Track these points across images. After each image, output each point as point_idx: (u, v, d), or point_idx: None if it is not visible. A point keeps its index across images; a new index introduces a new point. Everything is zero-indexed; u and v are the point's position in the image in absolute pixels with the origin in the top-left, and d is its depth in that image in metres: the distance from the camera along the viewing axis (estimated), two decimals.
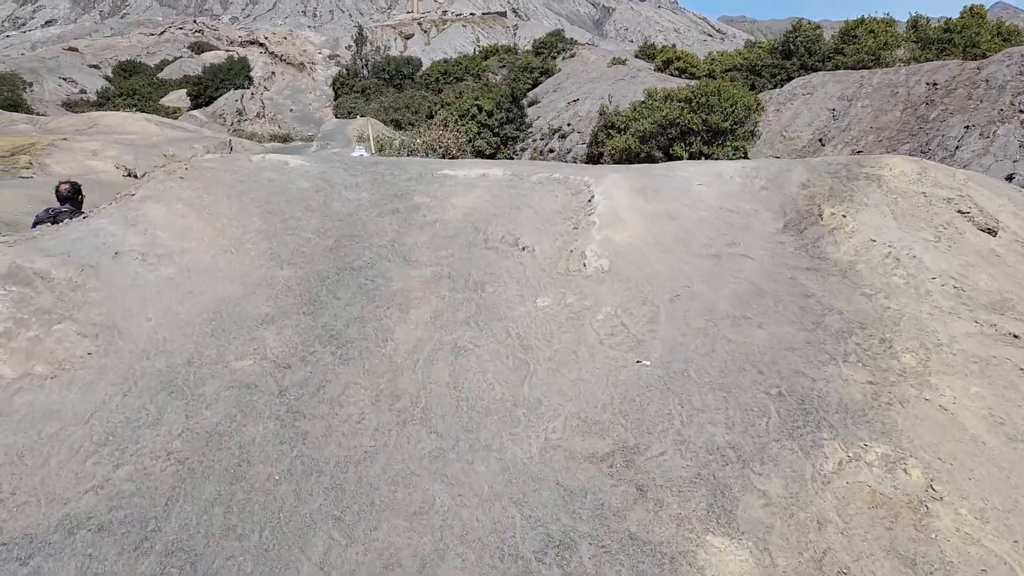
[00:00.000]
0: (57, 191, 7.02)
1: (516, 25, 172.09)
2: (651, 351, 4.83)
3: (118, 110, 32.31)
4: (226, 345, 4.85)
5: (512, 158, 37.90)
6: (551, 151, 39.42)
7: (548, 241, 6.20)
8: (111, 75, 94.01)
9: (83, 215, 6.43)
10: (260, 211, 6.56)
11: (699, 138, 22.73)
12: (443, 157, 14.36)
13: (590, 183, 6.95)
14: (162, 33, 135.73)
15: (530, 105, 46.51)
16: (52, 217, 6.58)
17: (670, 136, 23.31)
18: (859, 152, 23.47)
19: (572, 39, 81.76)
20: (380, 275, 5.83)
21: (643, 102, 25.24)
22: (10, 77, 47.28)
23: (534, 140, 40.96)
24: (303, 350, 4.92)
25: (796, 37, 39.47)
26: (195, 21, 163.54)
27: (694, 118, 22.61)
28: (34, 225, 6.56)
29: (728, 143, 22.48)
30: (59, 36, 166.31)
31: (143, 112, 31.83)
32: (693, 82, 42.26)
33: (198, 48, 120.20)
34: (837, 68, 33.94)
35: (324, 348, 4.94)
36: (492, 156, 35.80)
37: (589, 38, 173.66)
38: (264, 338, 4.98)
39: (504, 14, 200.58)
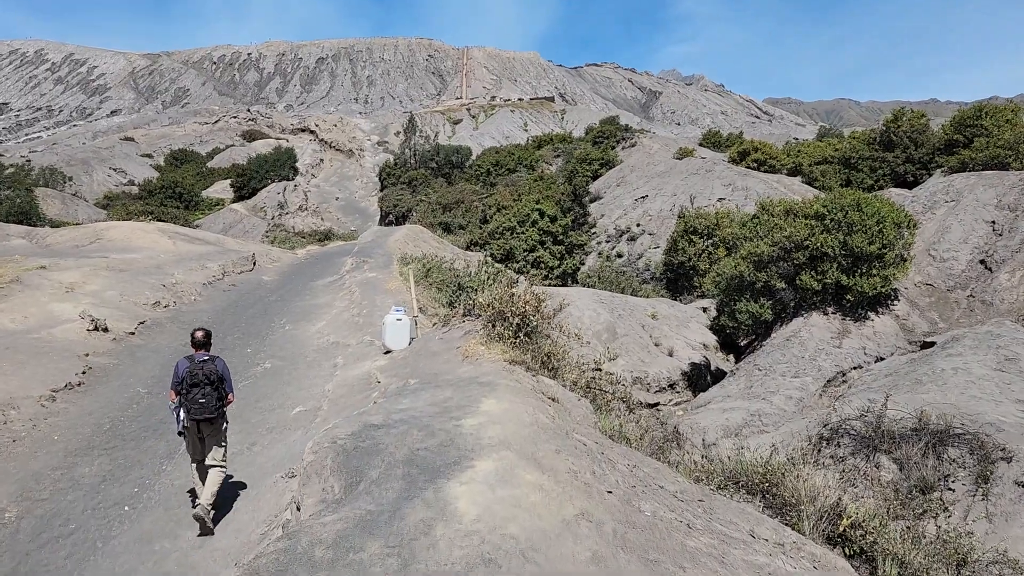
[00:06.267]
0: (193, 338, 7.27)
1: (564, 110, 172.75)
2: None
3: (131, 218, 28.75)
4: None
5: (579, 268, 33.17)
6: (619, 255, 34.73)
7: None
8: (163, 164, 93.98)
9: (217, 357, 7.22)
10: None
11: (835, 265, 17.76)
12: (519, 329, 9.64)
13: None
14: (216, 122, 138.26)
15: (592, 201, 42.23)
16: (201, 366, 6.90)
17: (796, 262, 18.42)
18: None
19: (628, 126, 78.62)
20: None
21: (755, 217, 20.45)
22: (26, 179, 44.59)
23: (599, 242, 36.34)
24: None
25: (898, 127, 34.60)
26: (249, 110, 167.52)
27: (829, 239, 17.72)
28: (177, 376, 6.91)
29: (876, 271, 17.42)
30: (120, 125, 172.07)
31: (160, 221, 28.22)
32: (796, 183, 37.66)
33: (249, 136, 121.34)
34: (964, 164, 28.91)
35: None
36: (557, 269, 31.11)
37: (637, 121, 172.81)
38: None
39: (551, 99, 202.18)
